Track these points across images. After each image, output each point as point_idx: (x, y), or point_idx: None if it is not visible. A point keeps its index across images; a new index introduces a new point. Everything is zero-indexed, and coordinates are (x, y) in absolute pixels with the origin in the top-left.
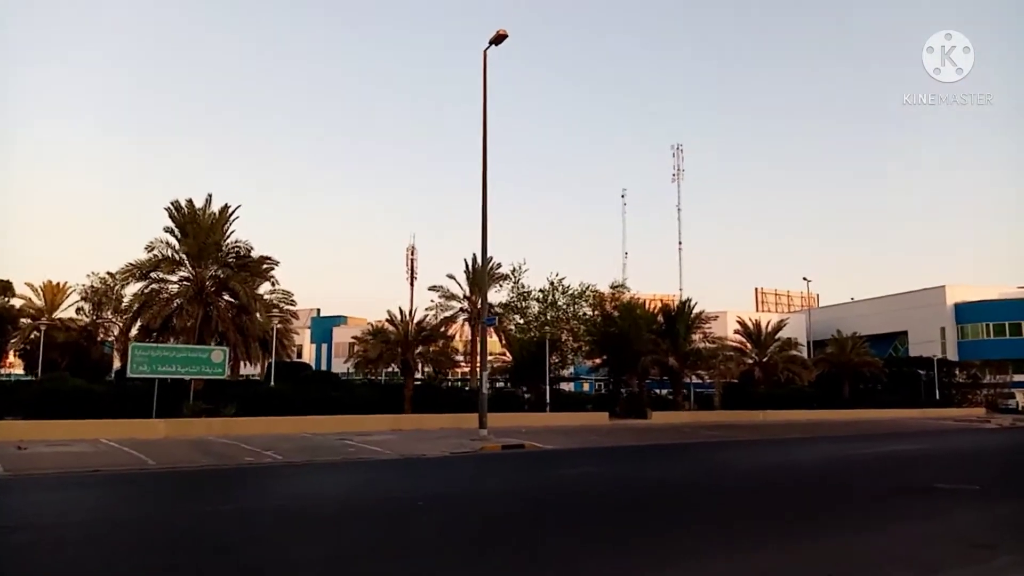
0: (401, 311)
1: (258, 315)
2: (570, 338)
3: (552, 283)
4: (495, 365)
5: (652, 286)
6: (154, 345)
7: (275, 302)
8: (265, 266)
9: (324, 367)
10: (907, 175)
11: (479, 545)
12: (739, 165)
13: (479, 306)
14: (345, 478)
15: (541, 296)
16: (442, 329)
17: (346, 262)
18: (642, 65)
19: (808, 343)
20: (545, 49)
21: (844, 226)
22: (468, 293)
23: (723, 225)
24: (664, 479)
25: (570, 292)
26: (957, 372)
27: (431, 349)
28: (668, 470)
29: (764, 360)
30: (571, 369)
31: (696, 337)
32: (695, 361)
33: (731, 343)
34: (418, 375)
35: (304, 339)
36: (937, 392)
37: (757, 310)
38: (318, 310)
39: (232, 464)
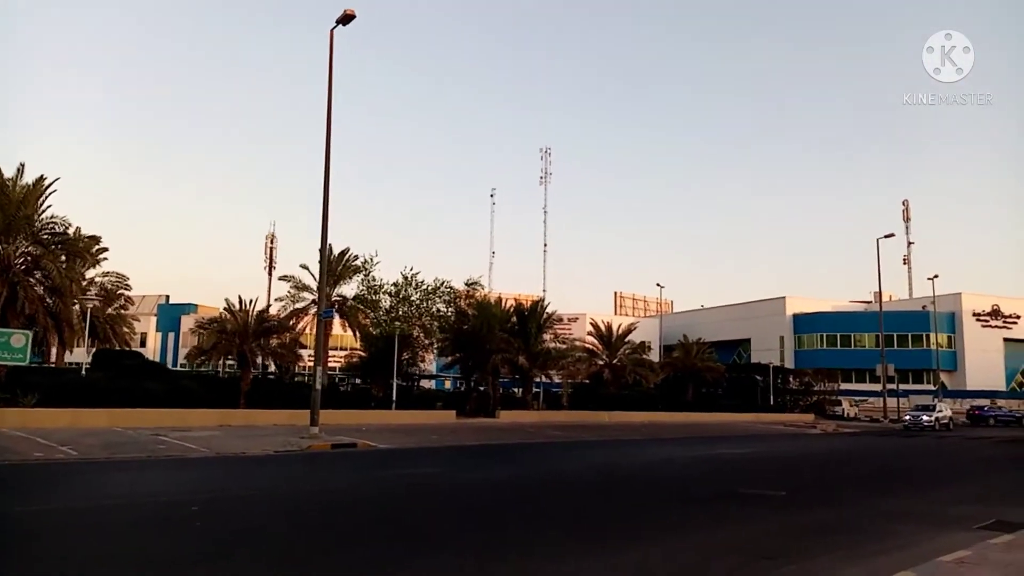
0: (240, 299)
1: (76, 298)
2: (422, 334)
3: (405, 277)
4: (352, 361)
5: (517, 286)
6: None
7: (107, 285)
8: (92, 247)
9: (170, 357)
10: (767, 188)
11: (217, 560)
12: (605, 172)
13: (331, 298)
14: (133, 477)
15: (393, 290)
16: (291, 321)
17: (205, 249)
18: (516, 65)
19: (660, 347)
20: (416, 40)
21: (702, 236)
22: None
23: (588, 230)
24: (475, 481)
25: (423, 287)
26: (791, 379)
27: (273, 342)
28: (489, 471)
29: (614, 362)
30: (431, 366)
31: (547, 337)
32: (545, 361)
33: (584, 344)
34: (265, 370)
35: (150, 327)
36: (772, 398)
37: (616, 314)
38: (167, 297)
39: (13, 460)
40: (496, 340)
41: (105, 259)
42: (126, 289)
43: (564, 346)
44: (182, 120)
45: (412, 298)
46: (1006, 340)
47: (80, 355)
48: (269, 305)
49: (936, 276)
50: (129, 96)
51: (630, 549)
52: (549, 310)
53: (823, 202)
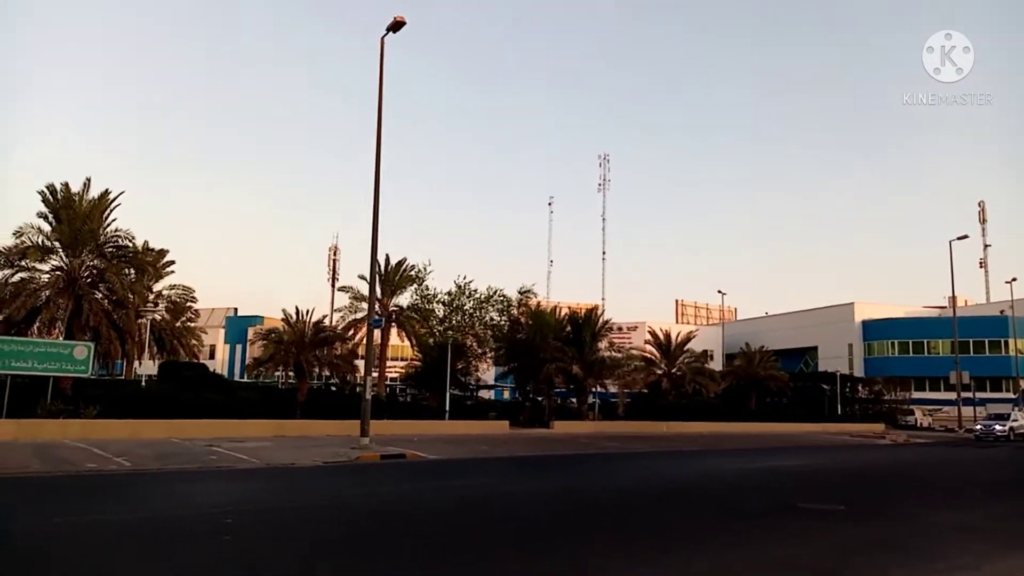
0: (297, 310)
1: (140, 311)
2: (475, 344)
3: (459, 286)
4: (410, 372)
5: (576, 295)
6: (5, 338)
7: (174, 298)
8: (158, 260)
9: (237, 369)
10: (835, 192)
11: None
12: (664, 178)
13: (389, 308)
14: (179, 489)
15: (447, 299)
16: (350, 332)
17: (274, 262)
18: (572, 71)
19: (722, 356)
20: (469, 46)
21: (765, 241)
22: (380, 295)
23: (648, 237)
24: (522, 492)
25: (476, 296)
26: (860, 388)
27: (329, 352)
28: (537, 482)
29: (673, 371)
30: (489, 376)
31: (603, 346)
32: (600, 370)
33: (642, 353)
34: (324, 381)
35: (218, 340)
36: (839, 407)
37: (677, 322)
38: (235, 309)
39: (67, 471)
40: (549, 349)
41: (172, 272)
42: (192, 301)
43: (620, 355)
44: (245, 135)
45: (465, 307)
46: None
47: (148, 367)
48: (325, 316)
49: (1015, 279)
50: (195, 111)
51: (677, 562)
52: (605, 318)
53: (893, 204)
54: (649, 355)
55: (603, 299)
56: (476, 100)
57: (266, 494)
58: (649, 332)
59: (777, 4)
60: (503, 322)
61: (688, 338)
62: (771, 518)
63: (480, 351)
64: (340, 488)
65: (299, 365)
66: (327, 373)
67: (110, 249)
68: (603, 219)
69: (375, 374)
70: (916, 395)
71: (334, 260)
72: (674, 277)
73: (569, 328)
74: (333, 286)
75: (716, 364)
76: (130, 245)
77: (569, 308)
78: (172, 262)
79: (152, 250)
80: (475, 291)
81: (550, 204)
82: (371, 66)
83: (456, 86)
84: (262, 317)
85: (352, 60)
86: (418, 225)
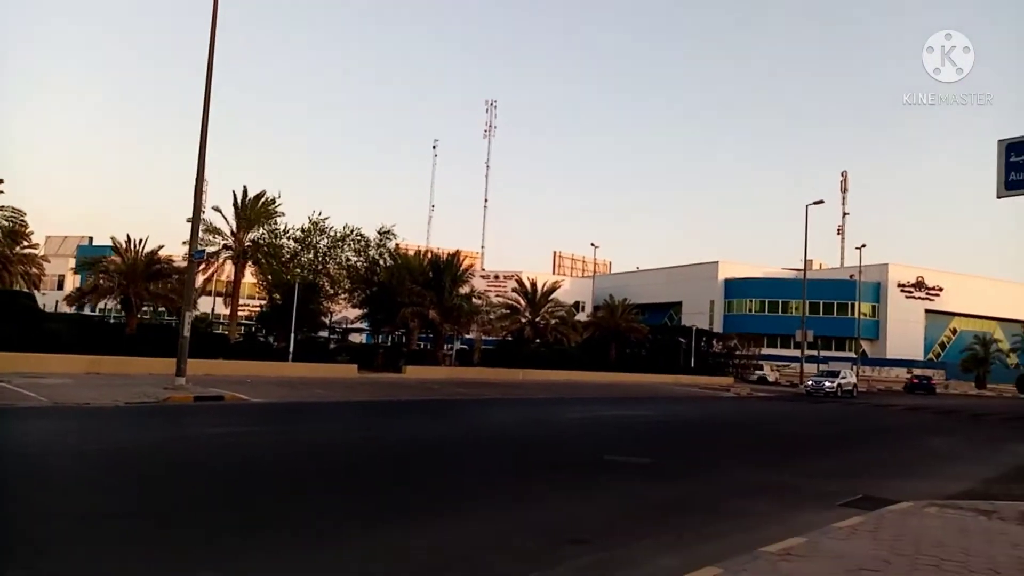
0: (129, 238)
1: None
2: (326, 284)
3: (313, 222)
4: (262, 310)
5: (457, 242)
6: None
7: (1, 220)
8: None
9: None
10: (706, 153)
11: None
12: (550, 129)
13: (243, 243)
14: None
15: (301, 235)
16: (201, 266)
17: (139, 192)
18: (464, 13)
19: (592, 308)
20: None
21: (642, 199)
22: (235, 229)
23: (531, 188)
24: (313, 441)
25: (332, 234)
26: (715, 343)
27: (163, 285)
28: (346, 431)
29: (537, 320)
30: (351, 317)
31: (465, 291)
32: (458, 316)
33: (506, 301)
34: (159, 317)
35: (67, 269)
36: (693, 360)
37: (554, 273)
38: (90, 239)
39: None
40: (407, 293)
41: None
42: (23, 226)
43: (480, 301)
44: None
45: (318, 245)
46: (927, 311)
47: None
48: (161, 247)
49: (864, 246)
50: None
51: (423, 528)
52: (470, 263)
53: (765, 170)
54: (514, 303)
55: (482, 247)
56: (355, 27)
57: (30, 437)
58: (515, 280)
59: None
60: (359, 263)
61: (553, 287)
62: (570, 472)
63: (332, 291)
64: (107, 432)
65: (127, 298)
66: (162, 308)
67: None
68: (487, 166)
69: (227, 311)
70: (769, 351)
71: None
72: (554, 229)
73: (431, 273)
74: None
75: (582, 316)
76: None
77: (436, 252)
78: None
79: None
80: (331, 229)
81: (434, 147)
82: None
83: (339, 11)
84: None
85: None
86: (289, 157)
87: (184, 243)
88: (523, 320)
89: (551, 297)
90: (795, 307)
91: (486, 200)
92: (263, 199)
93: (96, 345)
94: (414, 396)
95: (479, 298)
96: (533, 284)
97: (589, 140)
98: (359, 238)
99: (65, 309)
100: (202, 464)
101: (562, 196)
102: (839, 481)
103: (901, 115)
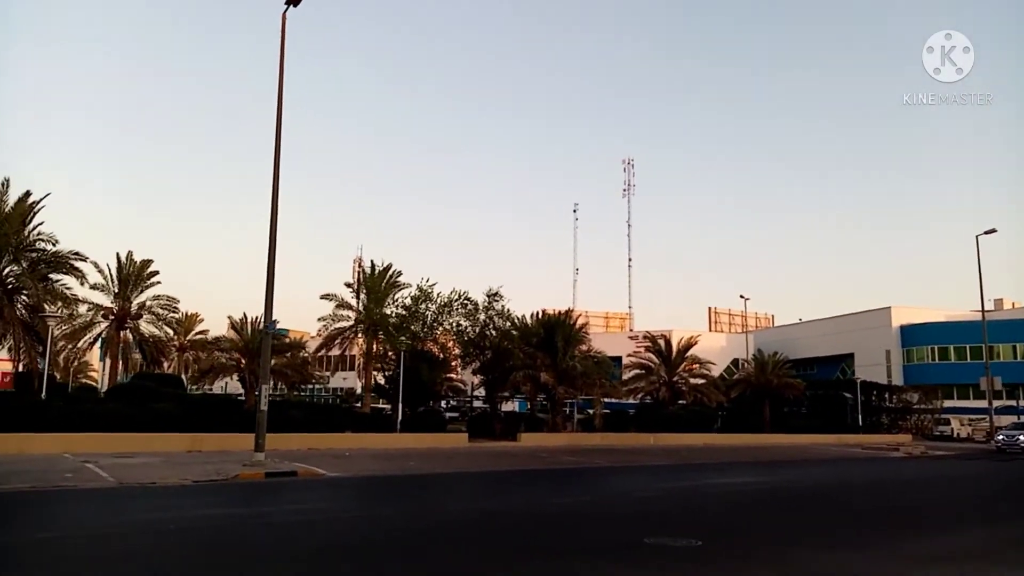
0: (245, 317)
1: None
2: (437, 351)
3: (421, 289)
4: (377, 382)
5: (604, 304)
6: None
7: (158, 309)
8: (143, 269)
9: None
10: (864, 198)
11: None
12: (694, 182)
13: (373, 316)
14: None
15: (410, 304)
16: (336, 340)
17: (308, 278)
18: (597, 74)
19: (743, 364)
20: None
21: (801, 246)
22: (366, 302)
23: (679, 244)
24: (338, 520)
25: (438, 301)
26: (888, 396)
27: (291, 359)
28: (389, 509)
29: (673, 380)
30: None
31: (580, 351)
32: (573, 377)
33: (639, 361)
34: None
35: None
36: (860, 417)
37: (710, 330)
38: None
39: None
40: (517, 356)
41: (157, 283)
42: (173, 312)
43: (593, 361)
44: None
45: (426, 313)
46: None
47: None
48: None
49: None
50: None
51: None
52: (638, 327)
53: (926, 203)
54: (647, 362)
55: (629, 307)
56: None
57: (58, 521)
58: (644, 336)
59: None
60: (467, 327)
61: (690, 344)
62: (568, 560)
63: (442, 357)
64: (160, 511)
65: (243, 375)
66: (282, 385)
67: (32, 254)
68: (628, 225)
69: (346, 383)
70: (956, 403)
71: (359, 272)
72: (707, 285)
73: (542, 332)
74: (358, 298)
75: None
76: (56, 250)
77: (606, 317)
78: (156, 272)
79: (138, 261)
80: (437, 295)
81: (575, 211)
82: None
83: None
84: (287, 330)
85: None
86: (444, 241)
87: (319, 319)
88: (658, 381)
89: (688, 354)
90: (992, 352)
91: (630, 259)
92: (390, 272)
93: (207, 423)
94: (513, 466)
95: (593, 358)
96: (668, 341)
97: (735, 193)
98: (466, 302)
99: (191, 388)
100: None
101: (713, 251)
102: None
103: None
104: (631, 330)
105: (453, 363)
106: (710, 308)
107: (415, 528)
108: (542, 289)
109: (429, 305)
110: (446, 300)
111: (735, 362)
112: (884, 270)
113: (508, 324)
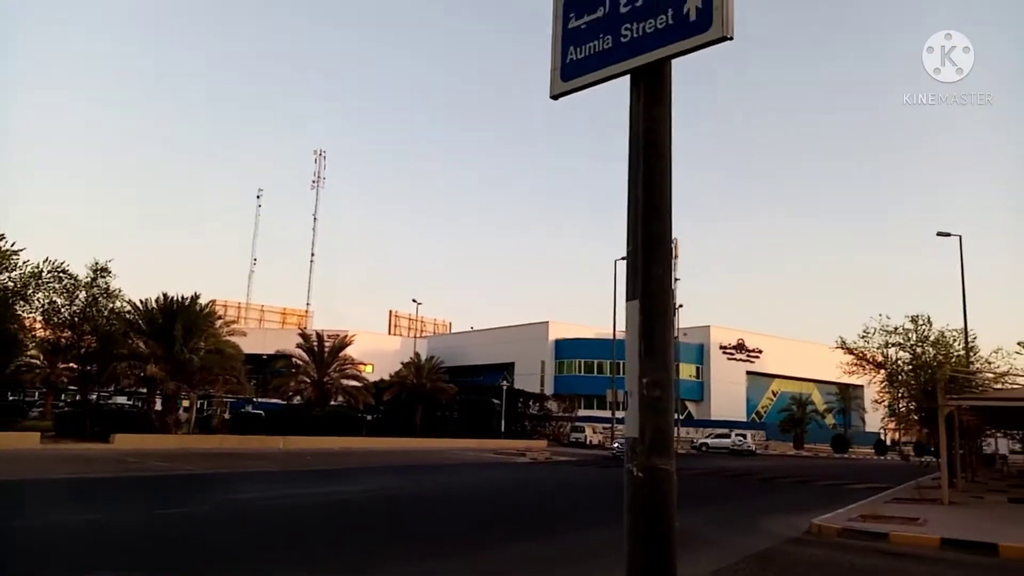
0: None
1: None
2: (14, 328)
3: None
4: None
5: (283, 300)
6: None
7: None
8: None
9: None
10: (548, 210)
11: None
12: (386, 180)
13: None
14: None
15: None
16: None
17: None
18: (290, 65)
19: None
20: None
21: (480, 257)
22: None
23: (363, 242)
24: None
25: (23, 269)
26: (531, 403)
27: None
28: None
29: (324, 380)
30: None
31: (205, 344)
32: (191, 372)
33: (291, 359)
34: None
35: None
36: (503, 423)
37: (390, 333)
38: None
39: None
40: (123, 344)
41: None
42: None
43: (217, 356)
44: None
45: (7, 283)
46: (749, 373)
47: None
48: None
49: (681, 306)
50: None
51: None
52: (318, 326)
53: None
54: (297, 360)
55: (308, 304)
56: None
57: None
58: (299, 334)
59: None
60: (64, 307)
61: (344, 343)
62: None
63: (19, 339)
64: None
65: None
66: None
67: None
68: (315, 218)
69: None
70: (596, 413)
71: None
72: (390, 287)
73: (161, 320)
74: None
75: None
76: None
77: (282, 312)
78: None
79: None
80: (25, 263)
81: (259, 198)
82: None
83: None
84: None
85: None
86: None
87: None
88: (307, 380)
89: (342, 354)
90: (622, 367)
91: (312, 254)
92: None
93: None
94: (66, 474)
95: (219, 351)
96: (320, 339)
97: (423, 196)
98: (60, 275)
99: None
100: None
101: (399, 252)
102: None
103: None
104: (308, 328)
105: (31, 345)
106: (391, 311)
107: None
108: (217, 279)
109: (8, 274)
110: (33, 270)
111: (353, 361)
112: (544, 287)
113: (125, 306)
